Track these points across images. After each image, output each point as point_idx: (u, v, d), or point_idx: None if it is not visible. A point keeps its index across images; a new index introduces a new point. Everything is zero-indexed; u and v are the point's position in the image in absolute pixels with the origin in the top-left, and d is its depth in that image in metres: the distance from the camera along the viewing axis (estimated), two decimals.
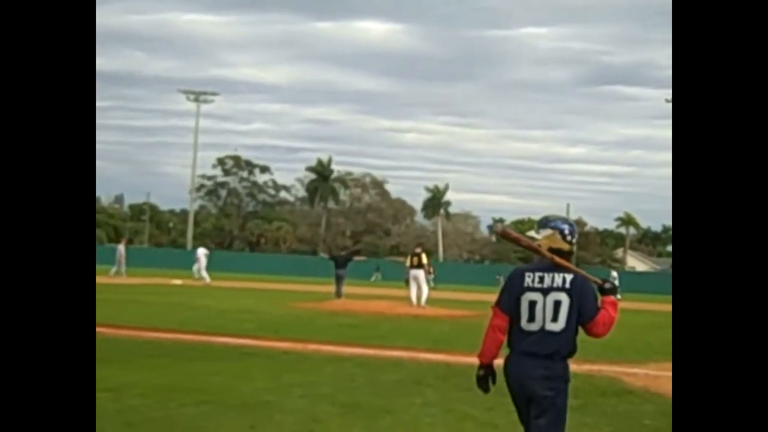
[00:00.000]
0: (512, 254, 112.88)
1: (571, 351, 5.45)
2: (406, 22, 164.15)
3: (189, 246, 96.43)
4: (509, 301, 5.49)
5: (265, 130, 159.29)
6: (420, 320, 22.44)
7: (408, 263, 29.25)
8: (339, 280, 32.61)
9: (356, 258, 35.82)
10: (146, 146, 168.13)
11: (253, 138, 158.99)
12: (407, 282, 29.15)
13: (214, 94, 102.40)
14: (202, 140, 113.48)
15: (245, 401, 8.97)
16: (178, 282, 42.19)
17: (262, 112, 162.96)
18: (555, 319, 5.37)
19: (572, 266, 5.51)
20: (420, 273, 28.45)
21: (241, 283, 44.34)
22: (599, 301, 5.47)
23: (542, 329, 5.38)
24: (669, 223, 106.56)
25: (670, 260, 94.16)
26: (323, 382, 10.61)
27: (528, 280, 5.46)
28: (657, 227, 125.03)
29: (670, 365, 12.95)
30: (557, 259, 5.45)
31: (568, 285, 5.41)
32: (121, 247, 46.29)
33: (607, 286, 5.52)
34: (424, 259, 29.27)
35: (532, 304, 5.41)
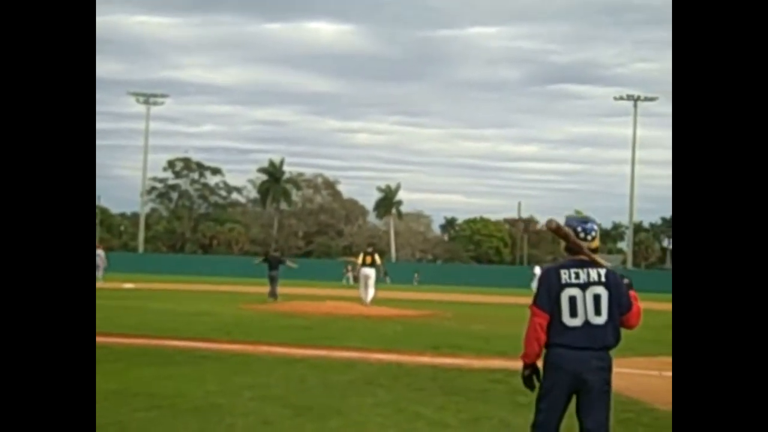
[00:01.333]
0: (464, 254, 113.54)
1: (617, 342, 5.68)
2: (356, 22, 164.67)
3: (141, 249, 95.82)
4: (549, 299, 5.63)
5: (215, 132, 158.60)
6: (372, 321, 22.52)
7: (360, 261, 29.26)
8: (272, 281, 32.87)
9: (288, 263, 35.43)
10: (97, 149, 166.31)
11: (204, 140, 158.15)
12: (356, 279, 29.25)
13: (163, 96, 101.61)
14: (153, 143, 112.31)
15: (197, 405, 8.98)
16: (129, 286, 41.90)
17: (213, 114, 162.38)
18: (598, 312, 5.59)
19: (603, 262, 5.68)
20: (372, 272, 28.53)
21: (194, 286, 44.16)
22: None
23: (586, 323, 5.57)
24: (619, 219, 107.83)
25: (620, 257, 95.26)
26: (274, 383, 10.65)
27: (564, 276, 5.62)
28: (607, 224, 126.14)
29: (630, 361, 13.03)
30: (593, 256, 5.66)
31: (603, 279, 5.63)
32: (101, 252, 45.47)
33: (626, 281, 5.71)
34: (377, 258, 29.35)
35: (573, 300, 5.59)
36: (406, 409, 9.22)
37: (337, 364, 12.78)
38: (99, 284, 41.75)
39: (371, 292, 28.46)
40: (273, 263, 33.91)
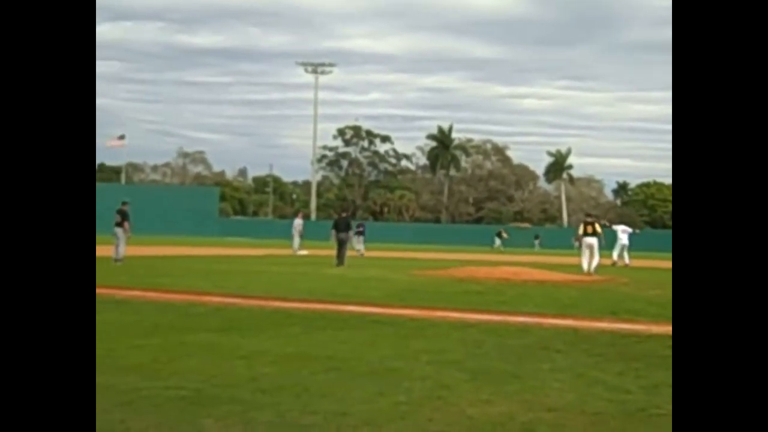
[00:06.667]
0: (638, 219, 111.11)
1: None
2: None
3: (313, 216, 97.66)
4: None
5: (382, 100, 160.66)
6: (546, 286, 22.27)
7: (581, 231, 29.59)
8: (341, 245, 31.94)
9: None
10: (267, 119, 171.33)
11: (371, 108, 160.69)
12: (578, 247, 29.93)
13: (331, 65, 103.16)
14: (321, 111, 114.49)
15: (373, 368, 9.04)
16: (303, 252, 42.77)
17: (379, 82, 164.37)
18: None
19: None
20: (594, 241, 28.92)
21: (365, 252, 44.67)
22: None
23: None
24: None
25: None
26: (450, 348, 10.62)
27: None
28: None
29: None
30: None
31: None
32: (299, 221, 46.54)
33: None
34: (598, 227, 29.71)
35: None
36: (585, 374, 9.04)
37: (513, 328, 12.66)
38: (299, 251, 42.93)
39: (596, 260, 28.89)
40: (341, 226, 32.49)
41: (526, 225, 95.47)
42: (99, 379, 7.89)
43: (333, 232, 32.27)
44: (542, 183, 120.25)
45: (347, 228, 32.23)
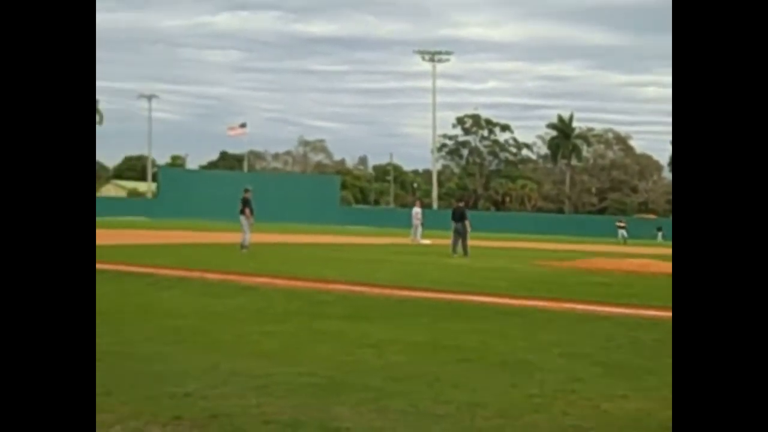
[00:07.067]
0: None
1: None
2: None
3: (434, 206, 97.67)
4: None
5: (499, 89, 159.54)
6: None
7: None
8: (457, 234, 31.22)
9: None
10: (385, 108, 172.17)
11: (488, 96, 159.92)
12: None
13: (448, 53, 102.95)
14: (439, 100, 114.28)
15: (505, 359, 8.94)
16: (427, 242, 42.80)
17: (496, 71, 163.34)
18: None
19: None
20: None
21: (488, 242, 44.49)
22: None
23: None
24: None
25: None
26: (581, 341, 10.44)
27: None
28: None
29: None
30: None
31: None
32: (417, 210, 46.68)
33: None
34: None
35: None
36: None
37: (644, 322, 12.36)
38: (421, 241, 43.13)
39: None
40: (456, 215, 31.57)
41: (651, 216, 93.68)
42: (232, 363, 8.01)
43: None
44: (667, 173, 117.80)
45: (462, 218, 31.45)
